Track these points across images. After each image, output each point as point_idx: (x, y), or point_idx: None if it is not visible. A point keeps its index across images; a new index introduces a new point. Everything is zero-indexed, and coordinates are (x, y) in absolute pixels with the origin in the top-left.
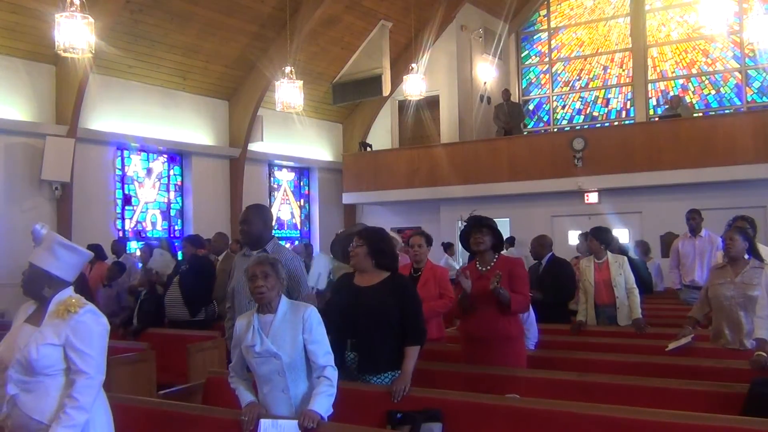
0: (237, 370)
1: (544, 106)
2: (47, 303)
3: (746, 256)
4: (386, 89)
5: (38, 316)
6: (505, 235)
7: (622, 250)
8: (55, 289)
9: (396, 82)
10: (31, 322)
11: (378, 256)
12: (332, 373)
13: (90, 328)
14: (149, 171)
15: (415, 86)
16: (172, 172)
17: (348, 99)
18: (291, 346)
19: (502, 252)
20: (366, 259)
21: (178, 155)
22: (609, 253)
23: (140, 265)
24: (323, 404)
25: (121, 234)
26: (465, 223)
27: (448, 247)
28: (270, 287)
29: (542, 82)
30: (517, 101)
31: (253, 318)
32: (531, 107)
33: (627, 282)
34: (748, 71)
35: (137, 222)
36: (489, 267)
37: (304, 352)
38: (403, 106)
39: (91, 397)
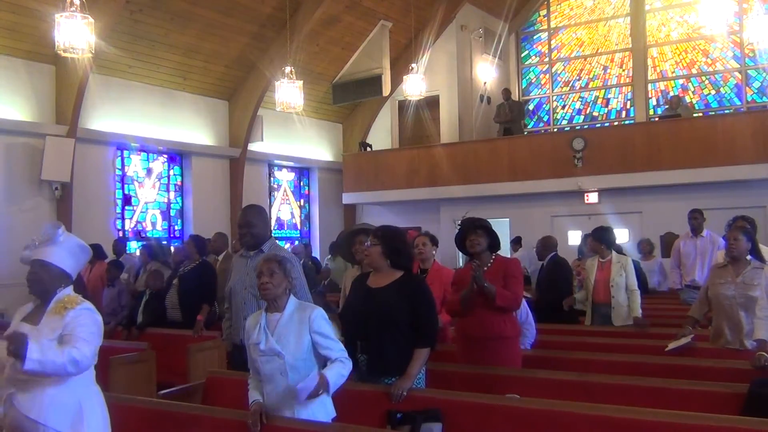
0: (251, 367)
1: (544, 106)
2: (48, 302)
3: (749, 257)
4: (386, 89)
5: (36, 315)
6: (506, 235)
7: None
8: (64, 287)
9: (396, 82)
10: (29, 321)
11: (394, 256)
12: (347, 360)
13: (86, 320)
14: (149, 171)
15: (415, 86)
16: (172, 172)
17: (348, 99)
18: (295, 346)
19: (499, 252)
20: (380, 258)
21: (178, 155)
22: (614, 253)
23: (140, 265)
24: (335, 378)
25: (121, 234)
26: (459, 226)
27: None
28: (276, 284)
29: (542, 82)
30: (518, 100)
31: (261, 316)
32: (531, 107)
33: (628, 283)
34: (748, 71)
35: (137, 222)
36: (486, 268)
37: (308, 354)
38: (403, 106)
39: (75, 368)
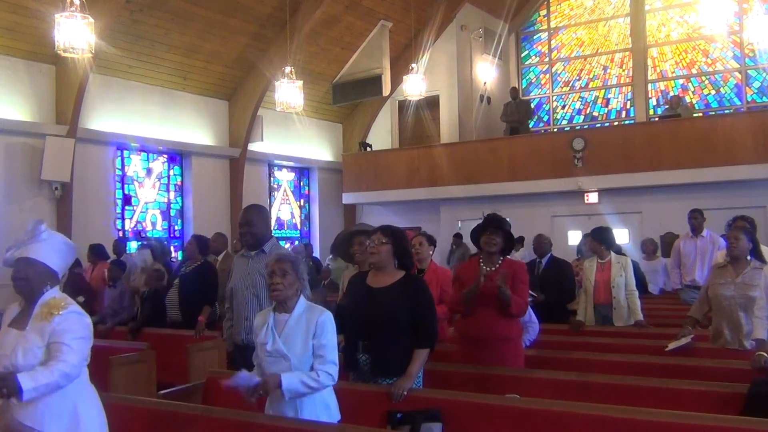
0: (256, 363)
1: (544, 106)
2: (34, 303)
3: (749, 257)
4: (386, 89)
5: (23, 319)
6: None
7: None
8: (50, 287)
9: (396, 82)
10: (16, 325)
11: (401, 256)
12: (324, 376)
13: (73, 326)
14: (149, 171)
15: (415, 86)
16: (172, 172)
17: (348, 99)
18: (301, 349)
19: (507, 254)
20: (389, 257)
21: (178, 155)
22: (613, 254)
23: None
24: (292, 381)
25: (121, 234)
26: (483, 219)
27: None
28: (287, 286)
29: (542, 82)
30: (525, 99)
31: (269, 316)
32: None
33: (627, 284)
34: (748, 71)
35: (137, 222)
36: (494, 268)
37: (314, 357)
38: (403, 106)
39: (66, 380)
